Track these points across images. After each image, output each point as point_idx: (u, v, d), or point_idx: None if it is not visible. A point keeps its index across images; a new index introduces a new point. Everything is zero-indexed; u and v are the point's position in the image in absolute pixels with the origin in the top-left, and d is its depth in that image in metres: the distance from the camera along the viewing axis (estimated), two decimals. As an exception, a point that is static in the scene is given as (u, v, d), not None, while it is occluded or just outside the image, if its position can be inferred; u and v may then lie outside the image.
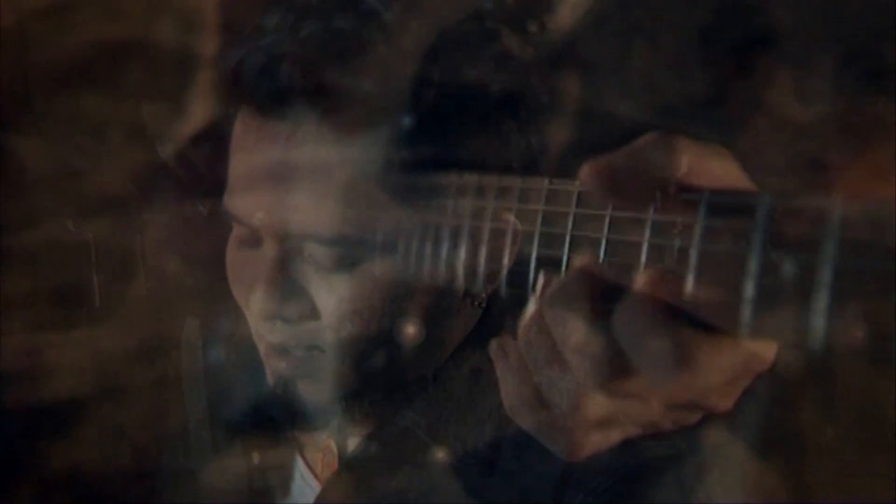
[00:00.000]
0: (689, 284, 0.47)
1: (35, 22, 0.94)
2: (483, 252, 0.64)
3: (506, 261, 0.62)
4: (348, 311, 0.80)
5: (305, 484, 0.93)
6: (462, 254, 0.64)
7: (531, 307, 0.55)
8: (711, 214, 0.47)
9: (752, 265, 0.44)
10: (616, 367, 0.49)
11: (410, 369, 0.85)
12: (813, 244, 0.41)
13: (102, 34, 0.95)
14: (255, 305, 0.81)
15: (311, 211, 0.77)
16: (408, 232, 0.74)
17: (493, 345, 0.58)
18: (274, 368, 0.84)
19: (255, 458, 0.92)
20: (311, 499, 0.90)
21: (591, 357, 0.50)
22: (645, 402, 0.51)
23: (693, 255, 0.47)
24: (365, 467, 0.88)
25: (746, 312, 0.44)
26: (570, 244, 0.55)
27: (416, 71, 0.74)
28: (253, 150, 0.79)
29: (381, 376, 0.84)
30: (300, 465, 0.93)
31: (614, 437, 0.56)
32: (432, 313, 0.82)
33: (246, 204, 0.81)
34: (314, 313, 0.81)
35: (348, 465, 0.89)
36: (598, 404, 0.53)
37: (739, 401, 0.53)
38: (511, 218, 0.62)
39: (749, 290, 0.44)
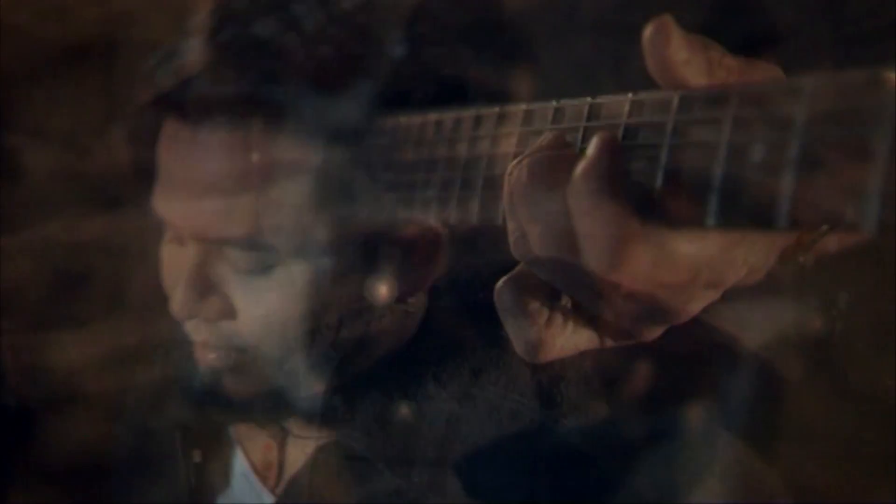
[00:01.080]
0: (659, 175, 0.46)
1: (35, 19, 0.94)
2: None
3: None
4: (265, 314, 0.82)
5: (247, 482, 0.95)
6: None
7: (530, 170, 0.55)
8: (683, 110, 0.47)
9: (720, 154, 0.44)
10: (566, 244, 0.50)
11: (337, 372, 0.86)
12: (782, 124, 0.41)
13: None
14: (175, 303, 0.84)
15: (226, 216, 0.79)
16: (324, 237, 0.78)
17: (501, 286, 0.58)
18: (203, 361, 0.87)
19: (196, 455, 0.95)
20: (253, 497, 0.93)
21: (548, 231, 0.51)
22: (599, 292, 0.51)
23: (663, 152, 0.46)
24: (308, 477, 0.90)
25: (713, 202, 0.44)
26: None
27: (334, 77, 0.76)
28: (174, 154, 0.81)
29: (304, 378, 0.86)
30: (242, 462, 0.95)
31: (576, 342, 0.56)
32: (353, 318, 0.84)
33: (169, 207, 0.83)
34: (231, 313, 0.83)
35: (294, 478, 0.92)
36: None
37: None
38: None
39: (716, 179, 0.44)
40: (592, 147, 0.48)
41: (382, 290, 0.80)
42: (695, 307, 0.52)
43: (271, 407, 0.89)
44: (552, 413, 0.83)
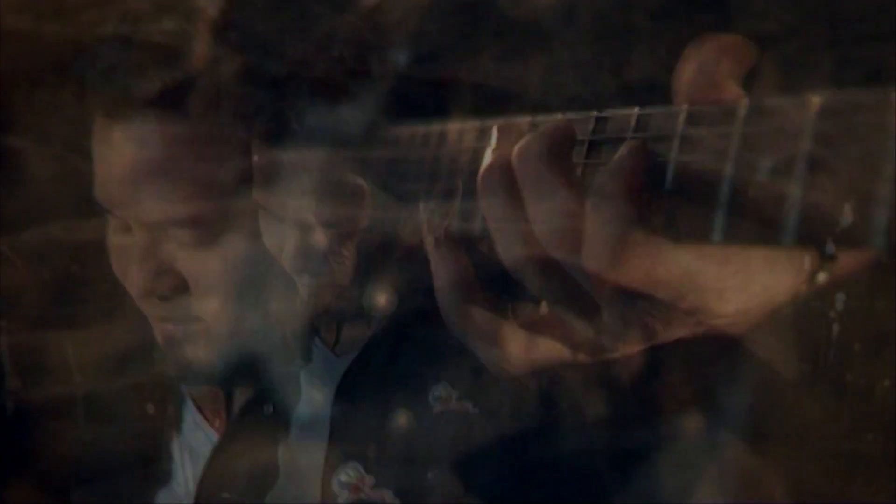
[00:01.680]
0: (669, 175, 0.47)
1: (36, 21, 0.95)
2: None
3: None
4: (215, 283, 0.92)
5: (197, 427, 1.09)
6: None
7: (490, 163, 0.56)
8: (690, 124, 0.48)
9: (727, 171, 0.44)
10: (574, 231, 0.51)
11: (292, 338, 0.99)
12: (790, 140, 0.41)
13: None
14: (131, 286, 0.94)
15: (164, 199, 0.87)
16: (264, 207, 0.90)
17: (430, 240, 0.59)
18: (162, 332, 0.97)
19: (150, 408, 1.09)
20: (203, 440, 1.08)
21: (560, 220, 0.52)
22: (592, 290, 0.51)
23: (670, 167, 0.47)
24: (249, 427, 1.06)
25: (719, 217, 0.44)
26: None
27: (242, 64, 0.85)
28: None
29: (256, 344, 0.97)
30: (192, 409, 1.09)
31: (543, 353, 0.56)
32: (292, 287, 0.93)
33: (110, 197, 0.92)
34: (185, 287, 0.93)
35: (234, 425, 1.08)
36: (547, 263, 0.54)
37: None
38: None
39: (723, 194, 0.44)
40: (623, 152, 0.48)
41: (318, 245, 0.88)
42: (673, 332, 0.52)
43: (231, 373, 1.01)
44: (551, 414, 0.85)
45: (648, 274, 0.48)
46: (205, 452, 1.11)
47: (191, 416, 1.12)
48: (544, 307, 0.57)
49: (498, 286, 0.89)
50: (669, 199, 0.47)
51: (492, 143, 0.59)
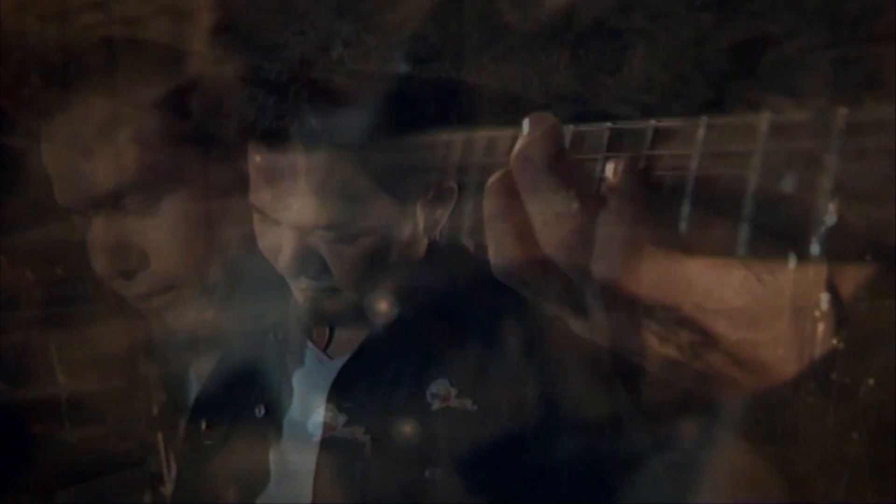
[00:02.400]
0: (686, 210, 0.47)
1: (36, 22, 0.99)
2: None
3: None
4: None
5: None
6: None
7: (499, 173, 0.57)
8: (709, 140, 0.48)
9: (750, 184, 0.44)
10: (586, 240, 0.51)
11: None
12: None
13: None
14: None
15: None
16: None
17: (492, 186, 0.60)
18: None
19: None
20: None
21: (561, 226, 0.52)
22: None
23: (689, 183, 0.47)
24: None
25: (743, 232, 0.44)
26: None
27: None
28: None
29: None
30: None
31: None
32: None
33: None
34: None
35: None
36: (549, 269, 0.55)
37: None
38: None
39: (746, 209, 0.44)
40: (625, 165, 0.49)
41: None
42: (664, 351, 0.53)
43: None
44: (551, 413, 0.87)
45: (654, 284, 0.48)
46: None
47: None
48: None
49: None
50: (685, 211, 0.47)
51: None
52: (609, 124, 0.56)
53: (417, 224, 1.06)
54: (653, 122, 0.53)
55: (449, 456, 1.05)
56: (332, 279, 1.06)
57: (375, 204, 1.01)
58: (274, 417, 1.15)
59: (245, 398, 1.17)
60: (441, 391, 1.06)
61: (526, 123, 0.55)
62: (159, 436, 3.01)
